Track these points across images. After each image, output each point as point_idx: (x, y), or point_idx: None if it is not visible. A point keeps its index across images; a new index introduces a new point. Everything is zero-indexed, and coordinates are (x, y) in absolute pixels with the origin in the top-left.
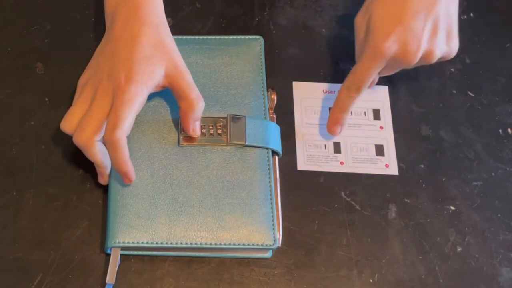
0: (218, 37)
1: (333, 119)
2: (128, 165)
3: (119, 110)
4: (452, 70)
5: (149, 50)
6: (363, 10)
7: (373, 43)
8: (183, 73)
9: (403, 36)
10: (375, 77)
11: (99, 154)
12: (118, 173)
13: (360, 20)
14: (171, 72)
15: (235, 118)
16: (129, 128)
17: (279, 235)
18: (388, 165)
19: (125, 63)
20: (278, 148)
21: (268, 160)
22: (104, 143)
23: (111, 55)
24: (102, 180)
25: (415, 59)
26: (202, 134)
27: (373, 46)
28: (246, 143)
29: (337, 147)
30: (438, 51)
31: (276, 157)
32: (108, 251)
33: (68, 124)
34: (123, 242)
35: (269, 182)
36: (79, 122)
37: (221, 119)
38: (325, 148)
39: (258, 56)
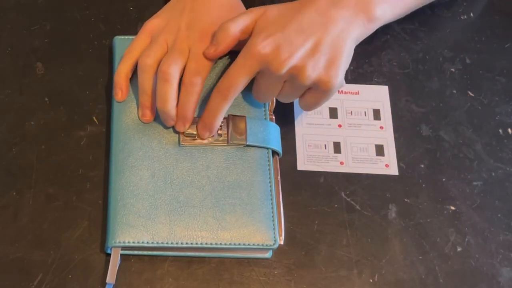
0: None
1: (203, 122)
2: (192, 112)
3: (202, 60)
4: (452, 70)
5: (226, 10)
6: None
7: (249, 43)
8: None
9: (279, 41)
10: (254, 87)
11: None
12: (179, 117)
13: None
14: None
15: (236, 118)
16: (205, 78)
17: (281, 235)
18: (388, 165)
19: (205, 19)
20: (278, 148)
21: (268, 160)
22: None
23: (189, 10)
24: (149, 114)
25: (283, 67)
26: None
27: (248, 45)
28: (247, 143)
29: (337, 147)
30: (312, 71)
31: (277, 157)
32: (108, 251)
33: (150, 60)
34: (124, 242)
35: (269, 182)
36: (165, 58)
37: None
38: (325, 148)
39: None
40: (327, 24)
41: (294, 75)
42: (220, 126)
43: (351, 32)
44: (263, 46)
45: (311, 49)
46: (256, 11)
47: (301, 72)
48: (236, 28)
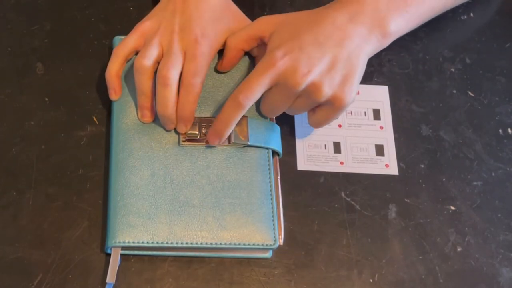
0: None
1: (214, 130)
2: (193, 112)
3: (199, 60)
4: (452, 70)
5: (218, 12)
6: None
7: (268, 55)
8: None
9: (297, 55)
10: (268, 97)
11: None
12: (180, 117)
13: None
14: None
15: None
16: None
17: (280, 234)
18: (388, 165)
19: (199, 21)
20: (279, 148)
21: (268, 160)
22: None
23: (181, 13)
24: (148, 114)
25: (302, 82)
26: (203, 134)
27: (267, 57)
28: (249, 143)
29: (337, 147)
30: (328, 88)
31: (277, 157)
32: (109, 251)
33: (146, 61)
34: (124, 242)
35: (269, 182)
36: (163, 62)
37: None
38: (325, 148)
39: None
40: (344, 40)
41: (310, 91)
42: None
43: (365, 47)
44: (282, 59)
45: (328, 65)
46: (263, 20)
47: (318, 89)
48: (236, 41)
